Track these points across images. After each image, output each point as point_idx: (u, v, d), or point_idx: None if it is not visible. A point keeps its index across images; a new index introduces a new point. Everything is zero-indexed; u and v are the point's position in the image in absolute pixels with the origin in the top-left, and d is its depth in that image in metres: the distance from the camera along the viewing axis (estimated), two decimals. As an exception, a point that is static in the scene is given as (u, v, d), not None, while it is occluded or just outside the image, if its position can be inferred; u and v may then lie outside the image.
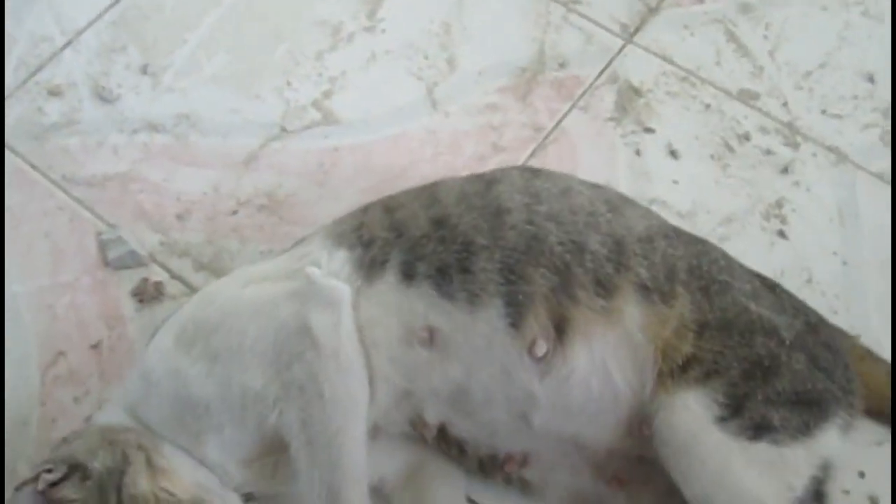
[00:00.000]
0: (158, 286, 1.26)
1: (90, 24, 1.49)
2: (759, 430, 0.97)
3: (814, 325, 1.07)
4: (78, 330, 1.23)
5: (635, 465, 1.05)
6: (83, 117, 1.41)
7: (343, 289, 1.04)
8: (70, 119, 1.40)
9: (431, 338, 1.02)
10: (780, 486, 0.97)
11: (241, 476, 1.06)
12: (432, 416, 1.05)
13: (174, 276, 1.27)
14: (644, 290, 1.01)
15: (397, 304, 1.03)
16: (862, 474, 1.14)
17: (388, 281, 1.03)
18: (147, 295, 1.25)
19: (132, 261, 1.27)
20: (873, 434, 1.16)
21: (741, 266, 1.10)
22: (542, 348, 0.99)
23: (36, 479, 0.95)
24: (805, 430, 0.98)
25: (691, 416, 0.97)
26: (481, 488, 1.13)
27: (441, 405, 1.04)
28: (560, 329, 0.99)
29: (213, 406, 1.01)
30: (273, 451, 1.05)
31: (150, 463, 0.99)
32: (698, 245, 1.09)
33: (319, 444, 0.98)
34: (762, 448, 0.96)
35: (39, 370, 1.20)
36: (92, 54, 1.47)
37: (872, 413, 1.13)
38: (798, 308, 1.08)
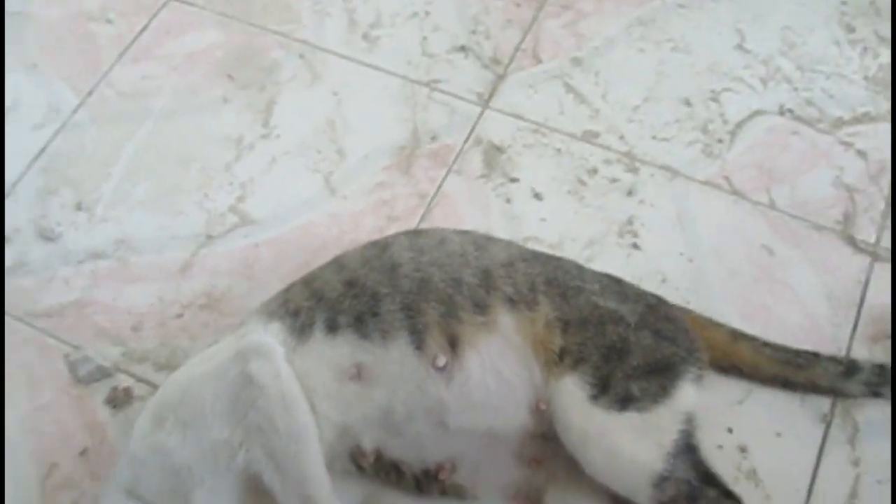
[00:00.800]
0: (127, 391, 1.46)
1: (23, 175, 1.70)
2: (624, 402, 1.23)
3: (653, 305, 1.35)
4: (65, 442, 1.42)
5: (545, 445, 1.31)
6: (32, 258, 1.60)
7: (274, 343, 1.28)
8: (21, 261, 1.59)
9: (359, 373, 1.27)
10: (651, 445, 1.22)
11: None
12: (368, 443, 1.29)
13: (139, 379, 1.47)
14: (511, 302, 1.29)
15: (327, 353, 1.28)
16: (730, 430, 1.40)
17: (317, 337, 1.28)
18: (119, 400, 1.45)
19: (100, 374, 1.47)
20: (733, 394, 1.43)
21: (592, 271, 1.38)
22: (441, 360, 1.25)
23: None
24: (662, 392, 1.25)
25: (571, 396, 1.24)
26: (426, 506, 1.38)
27: (374, 430, 1.28)
28: (453, 344, 1.26)
29: (194, 465, 1.23)
30: (251, 497, 1.27)
31: None
32: (553, 261, 1.37)
33: (285, 467, 1.21)
34: (630, 416, 1.23)
35: (38, 483, 1.38)
36: (30, 200, 1.66)
37: (727, 371, 1.42)
38: (639, 294, 1.36)
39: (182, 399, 1.27)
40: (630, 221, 1.61)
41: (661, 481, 1.21)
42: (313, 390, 1.27)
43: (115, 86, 1.82)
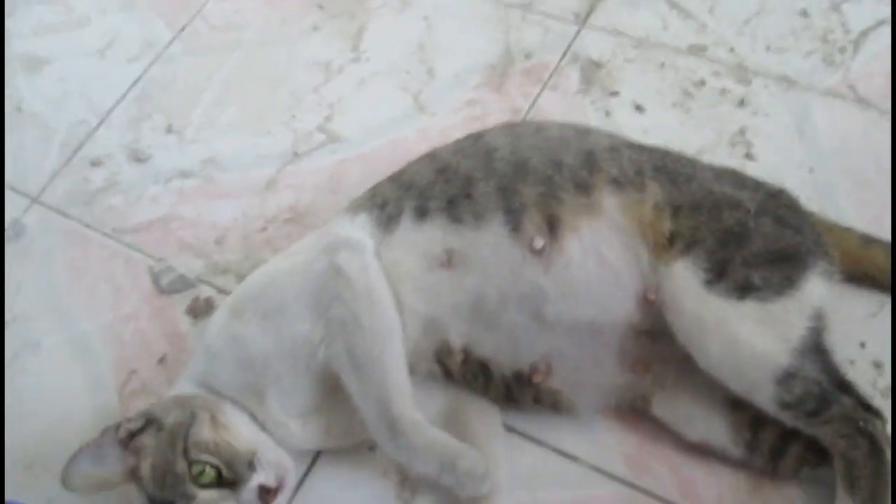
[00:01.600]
0: (209, 301, 1.41)
1: (117, 104, 1.71)
2: (743, 290, 1.08)
3: (775, 193, 1.19)
4: (144, 350, 1.38)
5: (652, 345, 1.15)
6: (123, 178, 1.59)
7: (364, 238, 1.19)
8: (112, 182, 1.59)
9: (449, 259, 1.16)
10: (775, 338, 1.06)
11: (301, 434, 1.19)
12: (456, 339, 1.17)
13: (220, 290, 1.43)
14: (616, 183, 1.16)
15: (416, 240, 1.18)
16: (863, 345, 1.24)
17: (405, 226, 1.19)
18: (199, 310, 1.41)
19: (182, 284, 1.43)
20: (866, 306, 1.27)
21: (704, 162, 1.24)
22: (539, 242, 1.13)
23: (118, 426, 1.11)
24: (788, 283, 1.09)
25: (683, 281, 1.09)
26: (516, 417, 1.23)
27: (463, 323, 1.16)
28: (552, 226, 1.14)
29: (271, 359, 1.15)
30: (326, 406, 1.19)
31: (213, 419, 1.13)
32: (660, 151, 1.24)
33: (365, 368, 1.12)
34: (750, 306, 1.07)
35: (116, 390, 1.34)
36: (123, 127, 1.67)
37: (858, 282, 1.24)
38: (759, 184, 1.21)
39: (263, 291, 1.20)
40: (742, 132, 1.47)
41: (786, 378, 1.05)
42: (401, 282, 1.18)
43: (209, 20, 1.82)
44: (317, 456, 1.25)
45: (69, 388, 1.36)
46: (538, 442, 1.23)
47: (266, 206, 1.51)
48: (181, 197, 1.55)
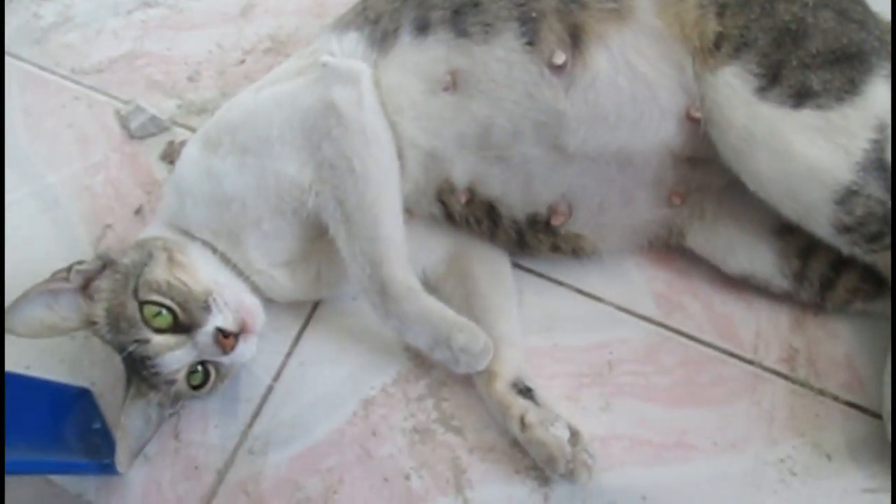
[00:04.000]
0: (185, 144, 1.23)
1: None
2: (800, 97, 0.90)
3: None
4: (118, 201, 1.23)
5: (692, 172, 1.00)
6: (77, 11, 1.39)
7: (360, 66, 1.01)
8: (66, 17, 1.39)
9: (454, 81, 0.98)
10: (835, 151, 0.89)
11: (289, 284, 1.05)
12: (461, 175, 1.01)
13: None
14: None
15: (416, 60, 1.00)
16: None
17: (404, 42, 1.00)
18: (175, 155, 1.23)
19: (155, 127, 1.25)
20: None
21: None
22: (560, 57, 0.94)
23: (69, 269, 0.96)
24: (851, 87, 0.91)
25: (731, 90, 0.91)
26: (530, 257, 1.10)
27: (469, 156, 1.00)
28: (575, 36, 0.95)
29: (249, 199, 0.99)
30: (315, 253, 1.04)
31: (171, 258, 0.98)
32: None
33: (356, 219, 0.96)
34: (807, 114, 0.90)
35: (92, 246, 1.20)
36: (73, -46, 1.45)
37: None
38: None
39: (244, 121, 1.02)
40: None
41: (847, 197, 0.89)
42: (399, 110, 1.00)
43: None
44: (316, 306, 1.12)
45: (40, 247, 1.21)
46: (557, 282, 1.09)
47: (243, 35, 1.32)
48: (145, 29, 1.35)
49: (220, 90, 1.27)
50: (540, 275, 1.09)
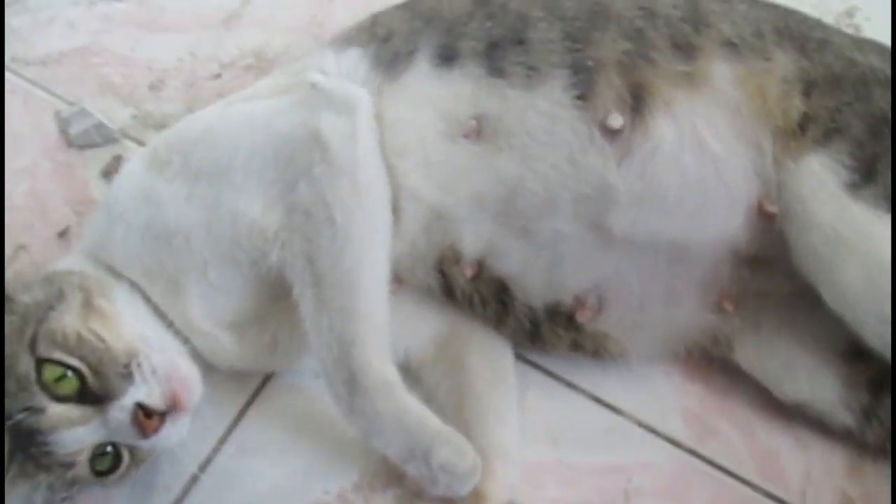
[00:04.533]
0: (132, 161, 1.03)
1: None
2: (901, 200, 0.75)
3: None
4: (41, 219, 1.00)
5: (752, 275, 0.82)
6: (31, -8, 1.19)
7: (359, 91, 0.81)
8: (16, -3, 1.19)
9: (479, 128, 0.79)
10: (938, 268, 0.74)
11: (236, 350, 0.83)
12: (471, 244, 0.81)
13: (151, 149, 1.05)
14: (731, 46, 0.80)
15: (434, 93, 0.81)
16: None
17: (420, 70, 0.81)
18: (120, 172, 1.03)
19: (99, 136, 1.03)
20: None
21: (832, 27, 0.89)
22: (617, 120, 0.76)
23: None
24: None
25: (817, 182, 0.75)
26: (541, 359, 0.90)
27: (485, 223, 0.80)
28: (637, 98, 0.77)
29: (195, 237, 0.78)
30: (273, 316, 0.83)
31: (87, 303, 0.76)
32: (780, 9, 0.87)
33: (328, 283, 0.75)
34: (909, 223, 0.75)
35: (-5, 267, 0.97)
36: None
37: None
38: None
39: (203, 140, 0.81)
40: (850, 13, 1.14)
41: (947, 327, 0.73)
42: (403, 152, 0.81)
43: None
44: (267, 378, 0.90)
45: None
46: (568, 384, 0.89)
47: (223, 46, 1.12)
48: (109, 24, 1.15)
49: (187, 105, 1.06)
50: (549, 373, 0.89)
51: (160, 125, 1.05)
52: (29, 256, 0.97)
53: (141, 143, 1.04)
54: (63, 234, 0.98)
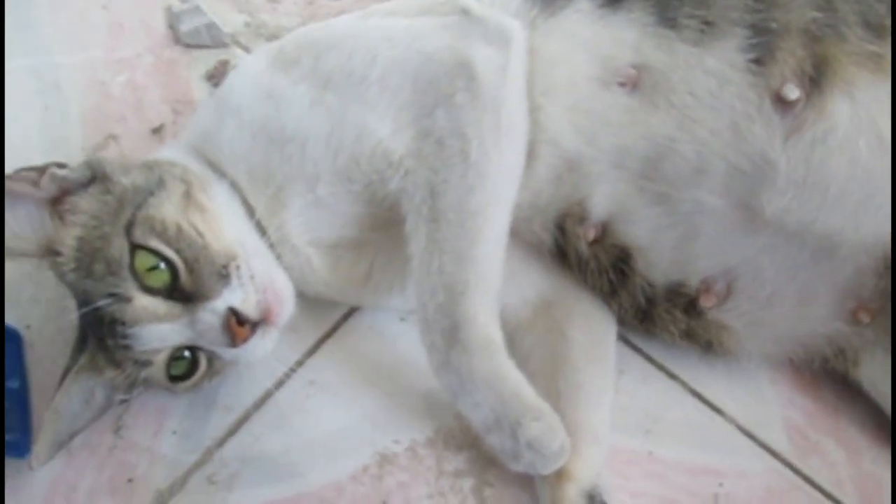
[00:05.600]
0: (240, 67, 0.98)
1: None
2: None
3: None
4: (135, 112, 0.95)
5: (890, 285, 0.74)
6: None
7: (514, 24, 0.75)
8: None
9: (638, 78, 0.73)
10: None
11: (324, 275, 0.78)
12: (600, 203, 0.75)
13: (259, 61, 0.99)
14: None
15: (593, 35, 0.74)
16: None
17: (581, 8, 0.75)
18: (223, 77, 0.95)
19: (210, 37, 0.98)
20: None
21: None
22: (793, 91, 0.69)
23: (42, 169, 0.68)
24: None
25: None
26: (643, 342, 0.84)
27: (621, 182, 0.74)
28: (819, 72, 0.70)
29: (312, 146, 0.72)
30: (373, 246, 0.78)
31: (188, 195, 0.71)
32: None
33: (448, 223, 0.69)
34: None
35: (82, 152, 0.92)
36: None
37: None
38: None
39: (339, 45, 0.75)
40: None
41: None
42: (549, 91, 0.75)
43: None
44: (350, 312, 0.85)
45: (18, 134, 0.92)
46: (669, 374, 0.82)
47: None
48: (235, -74, 1.10)
49: (303, 20, 1.01)
50: (650, 359, 0.83)
51: (273, 37, 1.00)
52: (119, 147, 0.92)
53: (251, 51, 0.99)
54: (157, 131, 0.93)
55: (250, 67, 0.77)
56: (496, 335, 0.71)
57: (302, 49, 0.76)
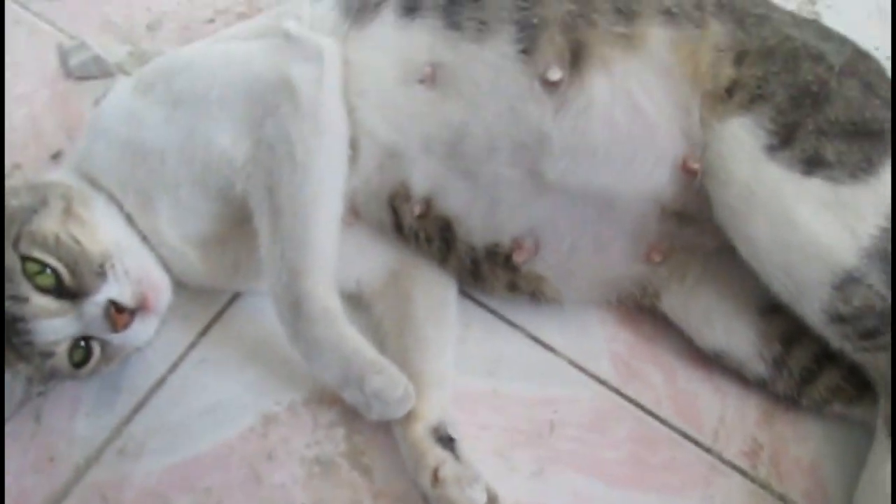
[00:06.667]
0: (123, 93, 1.10)
1: None
2: (812, 164, 0.80)
3: (864, 53, 0.90)
4: (35, 141, 1.07)
5: (679, 230, 0.88)
6: (43, -67, 1.24)
7: (327, 42, 0.88)
8: (30, -65, 1.24)
9: (434, 74, 0.85)
10: (841, 230, 0.79)
11: (201, 267, 0.90)
12: (419, 183, 0.88)
13: (143, 84, 1.11)
14: (669, 14, 0.85)
15: (395, 42, 0.87)
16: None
17: (385, 21, 0.88)
18: (112, 103, 1.10)
19: (97, 68, 1.10)
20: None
21: (778, 5, 0.93)
22: (555, 73, 0.82)
23: None
24: (867, 165, 0.81)
25: (738, 143, 0.81)
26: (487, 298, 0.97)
27: (433, 163, 0.87)
28: (576, 55, 0.83)
29: (170, 157, 0.84)
30: (237, 239, 0.89)
31: (68, 210, 0.83)
32: (724, -16, 0.93)
33: (284, 215, 0.82)
34: (817, 184, 0.80)
35: (-9, 182, 1.04)
36: None
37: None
38: (846, 39, 0.91)
39: (186, 70, 0.88)
40: (812, 0, 1.19)
41: (847, 283, 0.79)
42: (363, 93, 0.87)
43: None
44: (233, 298, 0.97)
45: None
46: (510, 323, 0.96)
47: (221, -9, 1.19)
48: (114, -35, 1.21)
49: (180, 46, 1.10)
50: (492, 311, 0.96)
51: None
52: (23, 175, 1.04)
53: (134, 77, 1.11)
54: (56, 157, 1.05)
55: (117, 94, 0.90)
56: (335, 305, 0.83)
57: (157, 74, 0.89)
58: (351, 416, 0.90)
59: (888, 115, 0.85)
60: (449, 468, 0.82)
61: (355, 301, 0.95)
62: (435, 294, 0.93)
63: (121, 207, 0.87)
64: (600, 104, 0.83)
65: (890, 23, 1.15)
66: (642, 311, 0.94)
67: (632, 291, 0.92)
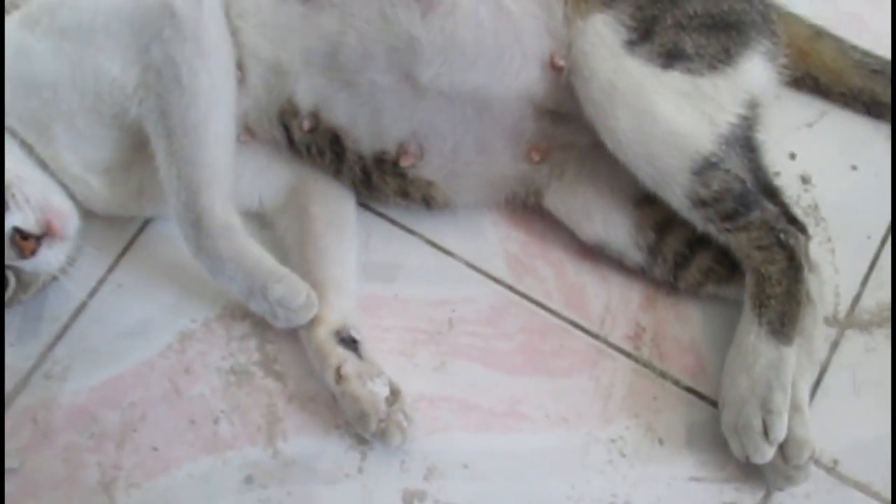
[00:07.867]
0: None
1: None
2: (671, 58, 0.85)
3: None
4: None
5: (554, 128, 0.93)
6: None
7: None
8: None
9: None
10: (699, 119, 0.85)
11: (106, 195, 0.93)
12: (305, 98, 0.92)
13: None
14: None
15: None
16: (793, 155, 1.03)
17: None
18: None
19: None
20: (803, 114, 1.06)
21: None
22: None
23: None
24: (725, 57, 0.86)
25: (599, 39, 0.85)
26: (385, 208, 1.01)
27: (315, 77, 0.91)
28: None
29: (62, 89, 0.87)
30: (139, 165, 0.93)
31: None
32: None
33: (177, 136, 0.85)
34: (676, 77, 0.85)
35: None
36: None
37: (798, 85, 1.03)
38: None
39: (69, 2, 0.90)
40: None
41: (705, 168, 0.85)
42: (243, 14, 0.90)
43: None
44: (144, 225, 1.01)
45: None
46: (407, 230, 1.01)
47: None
48: None
49: None
50: (391, 220, 1.01)
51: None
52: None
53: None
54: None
55: (6, 29, 0.91)
56: (234, 220, 0.88)
57: (42, 9, 0.90)
58: (262, 327, 0.96)
59: (745, 6, 0.90)
60: (351, 365, 0.89)
61: (260, 219, 0.99)
62: (333, 206, 0.98)
63: (20, 139, 0.90)
64: (465, 5, 0.87)
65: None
66: (533, 211, 1.00)
67: (517, 191, 0.97)
